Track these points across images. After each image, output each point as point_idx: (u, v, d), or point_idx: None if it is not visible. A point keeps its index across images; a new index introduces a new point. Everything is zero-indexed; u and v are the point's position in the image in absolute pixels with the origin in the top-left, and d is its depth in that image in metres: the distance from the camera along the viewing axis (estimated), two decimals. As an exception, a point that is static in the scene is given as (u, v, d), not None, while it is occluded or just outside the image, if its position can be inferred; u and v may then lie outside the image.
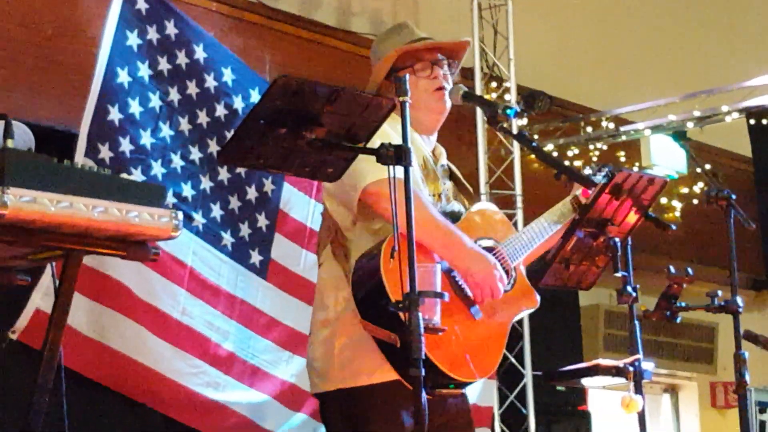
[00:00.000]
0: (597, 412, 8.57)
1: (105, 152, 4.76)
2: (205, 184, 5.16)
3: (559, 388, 7.98)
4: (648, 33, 9.73)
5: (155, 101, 4.99)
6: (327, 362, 3.37)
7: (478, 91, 7.36)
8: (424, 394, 2.68)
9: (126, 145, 4.83)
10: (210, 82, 5.20)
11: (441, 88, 3.55)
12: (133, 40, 4.91)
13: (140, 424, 5.04)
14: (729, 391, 10.00)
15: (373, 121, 2.86)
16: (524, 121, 7.93)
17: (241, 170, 5.28)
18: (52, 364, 3.10)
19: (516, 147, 7.53)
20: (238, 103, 5.27)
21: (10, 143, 2.80)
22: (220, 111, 5.22)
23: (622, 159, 8.68)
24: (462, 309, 3.33)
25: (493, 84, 7.73)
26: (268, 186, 5.39)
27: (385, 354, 3.19)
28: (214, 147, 5.16)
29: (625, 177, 3.35)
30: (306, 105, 2.75)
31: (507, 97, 7.58)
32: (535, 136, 8.17)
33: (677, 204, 8.87)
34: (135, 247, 3.03)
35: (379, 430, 3.30)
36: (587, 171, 3.51)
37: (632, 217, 3.41)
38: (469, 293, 3.34)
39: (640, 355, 3.40)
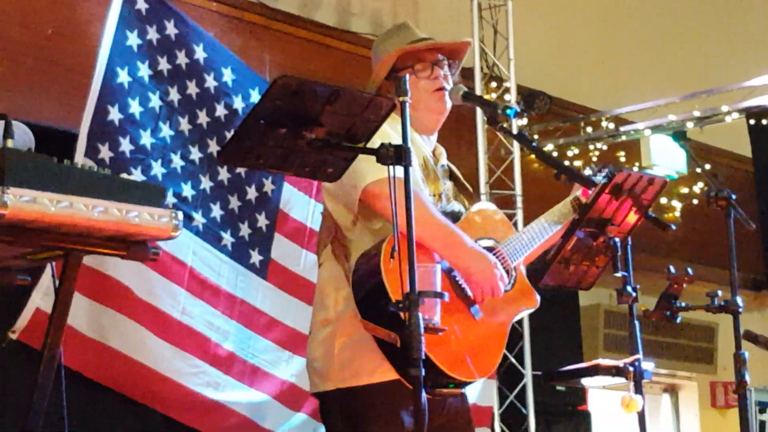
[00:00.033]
0: (597, 412, 8.57)
1: (105, 152, 4.76)
2: (205, 184, 5.16)
3: (559, 388, 7.98)
4: (648, 33, 9.73)
5: (155, 101, 4.99)
6: (327, 362, 3.37)
7: (478, 91, 7.36)
8: (424, 394, 2.68)
9: (126, 145, 4.83)
10: (210, 82, 5.20)
11: (441, 89, 3.55)
12: (133, 40, 4.91)
13: (140, 424, 5.04)
14: (729, 391, 10.00)
15: (373, 121, 2.86)
16: (524, 121, 7.94)
17: (241, 170, 5.28)
18: (52, 364, 3.10)
19: (516, 147, 7.54)
20: (238, 103, 5.28)
21: (10, 143, 2.80)
22: (220, 111, 5.22)
23: (622, 159, 8.68)
24: (462, 309, 3.33)
25: (493, 84, 7.73)
26: (268, 186, 5.40)
27: (385, 354, 3.20)
28: (214, 147, 5.16)
29: (625, 177, 3.35)
30: (306, 105, 2.75)
31: (507, 97, 7.58)
32: (535, 136, 8.17)
33: (677, 204, 8.88)
34: (135, 247, 3.03)
35: (378, 430, 3.30)
36: (587, 171, 3.51)
37: (632, 217, 3.41)
38: (470, 293, 3.34)
39: (640, 355, 3.40)
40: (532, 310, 3.64)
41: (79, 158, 4.65)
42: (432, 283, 2.92)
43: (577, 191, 3.63)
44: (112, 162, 4.74)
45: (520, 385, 7.38)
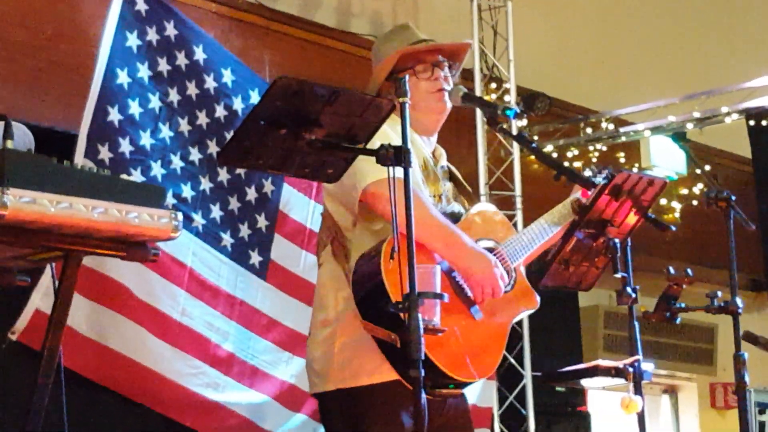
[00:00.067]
0: (596, 412, 8.57)
1: (105, 153, 4.76)
2: (205, 185, 5.16)
3: (558, 388, 7.98)
4: (648, 33, 9.73)
5: (155, 102, 4.99)
6: (327, 362, 3.37)
7: (478, 92, 7.35)
8: (423, 395, 2.68)
9: (126, 146, 4.83)
10: (210, 83, 5.20)
11: (441, 90, 3.55)
12: (132, 41, 4.91)
13: (140, 425, 5.04)
14: (728, 391, 10.00)
15: (372, 122, 2.86)
16: (524, 122, 7.94)
17: (240, 171, 5.28)
18: (52, 364, 3.10)
19: (516, 148, 7.53)
20: (238, 104, 5.28)
21: (9, 144, 2.80)
22: (220, 112, 5.22)
23: (622, 160, 8.68)
24: (462, 309, 3.33)
25: (493, 85, 7.72)
26: (268, 187, 5.40)
27: (385, 354, 3.20)
28: (213, 148, 5.16)
29: (624, 178, 3.35)
30: (306, 106, 2.75)
31: (507, 98, 7.58)
32: (535, 137, 8.17)
33: (677, 205, 8.87)
34: (135, 247, 3.03)
35: (378, 431, 3.30)
36: (587, 172, 3.51)
37: (632, 218, 3.41)
38: (470, 293, 3.35)
39: (639, 356, 3.40)
40: (532, 311, 3.64)
41: (79, 159, 4.65)
42: (432, 284, 2.92)
43: (577, 192, 3.63)
44: (112, 163, 4.74)
45: (520, 386, 7.37)
